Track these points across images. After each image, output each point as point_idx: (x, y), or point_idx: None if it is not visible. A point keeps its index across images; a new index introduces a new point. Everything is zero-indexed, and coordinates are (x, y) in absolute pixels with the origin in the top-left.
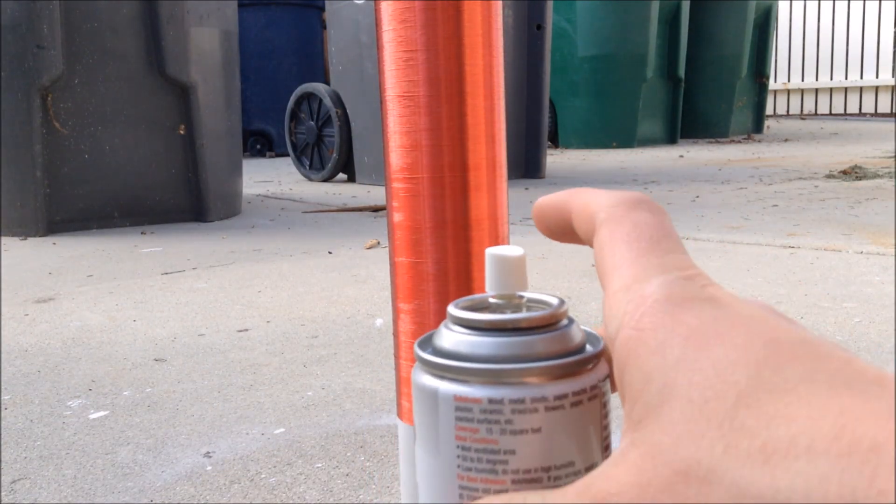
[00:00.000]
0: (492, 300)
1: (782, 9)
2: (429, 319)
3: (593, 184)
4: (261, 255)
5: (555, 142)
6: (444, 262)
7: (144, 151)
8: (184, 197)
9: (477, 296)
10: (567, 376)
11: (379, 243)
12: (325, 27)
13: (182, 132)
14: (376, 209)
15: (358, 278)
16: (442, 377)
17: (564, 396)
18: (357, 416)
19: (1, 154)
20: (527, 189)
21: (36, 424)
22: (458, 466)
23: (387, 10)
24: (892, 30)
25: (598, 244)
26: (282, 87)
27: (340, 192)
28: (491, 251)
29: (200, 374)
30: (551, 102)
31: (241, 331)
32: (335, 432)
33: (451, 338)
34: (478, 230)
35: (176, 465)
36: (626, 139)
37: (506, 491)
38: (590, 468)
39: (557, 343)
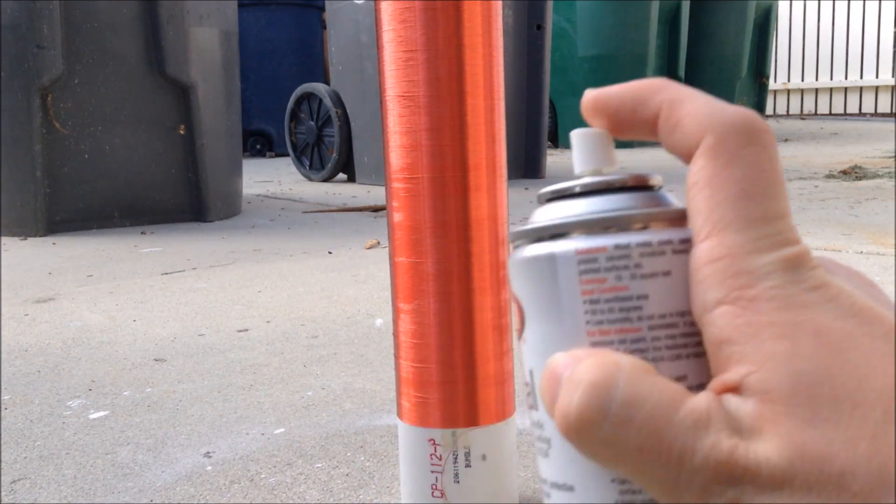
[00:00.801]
0: (584, 176)
1: (782, 9)
2: (429, 319)
3: None
4: (261, 255)
5: (555, 142)
6: (444, 262)
7: (144, 151)
8: (184, 197)
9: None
10: (681, 221)
11: (379, 243)
12: (325, 27)
13: (182, 132)
14: (376, 209)
15: (358, 278)
16: (556, 237)
17: (688, 241)
18: (357, 416)
19: (1, 154)
20: (527, 189)
21: (36, 424)
22: (588, 322)
23: (387, 10)
24: (892, 30)
25: (698, 177)
26: (282, 87)
27: (340, 192)
28: (577, 131)
29: (200, 374)
30: (551, 102)
31: (241, 331)
32: (335, 432)
33: (553, 208)
34: (478, 230)
35: (176, 465)
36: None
37: (643, 339)
38: None
39: (665, 200)
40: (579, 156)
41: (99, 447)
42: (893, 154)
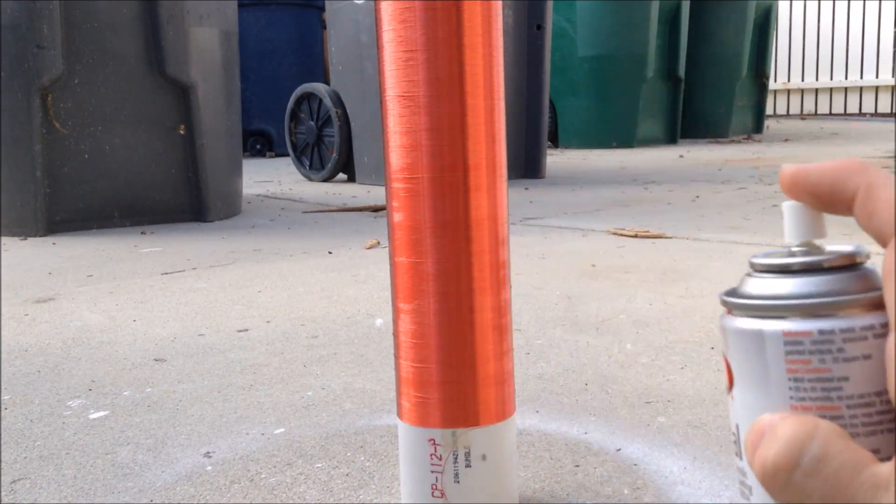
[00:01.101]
0: (794, 248)
1: (782, 9)
2: (429, 319)
3: (593, 183)
4: (261, 255)
5: (555, 142)
6: (444, 262)
7: (144, 151)
8: (184, 197)
9: (774, 251)
10: (881, 307)
11: (379, 243)
12: (325, 27)
13: (182, 132)
14: (376, 209)
15: (358, 278)
16: (765, 317)
17: (885, 325)
18: (357, 416)
19: (1, 154)
20: (527, 189)
21: (36, 424)
22: (791, 397)
23: (387, 10)
24: (893, 30)
25: (890, 268)
26: (282, 87)
27: (340, 192)
28: (788, 203)
29: (200, 374)
30: (551, 102)
31: (241, 331)
32: (335, 432)
33: (764, 283)
34: (478, 230)
35: (176, 465)
36: (626, 139)
37: (841, 416)
38: None
39: (869, 279)
40: (790, 227)
41: (99, 447)
42: (893, 154)
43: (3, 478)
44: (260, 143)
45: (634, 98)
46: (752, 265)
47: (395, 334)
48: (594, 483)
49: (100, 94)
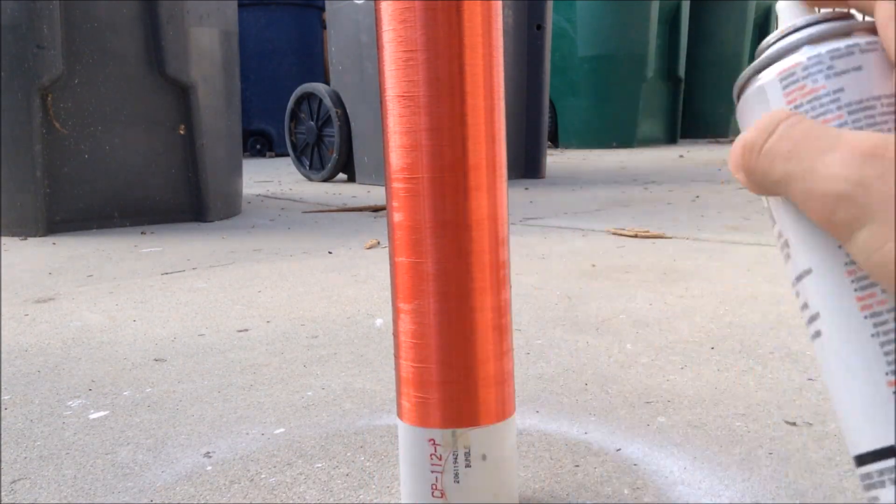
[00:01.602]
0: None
1: None
2: (429, 319)
3: (593, 183)
4: (261, 255)
5: (555, 142)
6: (444, 262)
7: (144, 151)
8: (184, 197)
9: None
10: (866, 31)
11: (379, 243)
12: (325, 27)
13: (182, 132)
14: (376, 209)
15: (358, 278)
16: (762, 70)
17: (874, 42)
18: (357, 416)
19: (1, 154)
20: (527, 189)
21: (36, 424)
22: None
23: (387, 10)
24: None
25: (887, 15)
26: (282, 87)
27: (340, 192)
28: (780, 3)
29: (200, 374)
30: (551, 102)
31: (241, 331)
32: (335, 432)
33: (760, 57)
34: (478, 230)
35: (176, 465)
36: (626, 139)
37: (844, 123)
38: None
39: (851, 19)
40: (784, 17)
41: (99, 447)
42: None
43: (3, 478)
44: (260, 143)
45: (634, 98)
46: (757, 53)
47: (395, 334)
48: (594, 483)
49: (100, 94)
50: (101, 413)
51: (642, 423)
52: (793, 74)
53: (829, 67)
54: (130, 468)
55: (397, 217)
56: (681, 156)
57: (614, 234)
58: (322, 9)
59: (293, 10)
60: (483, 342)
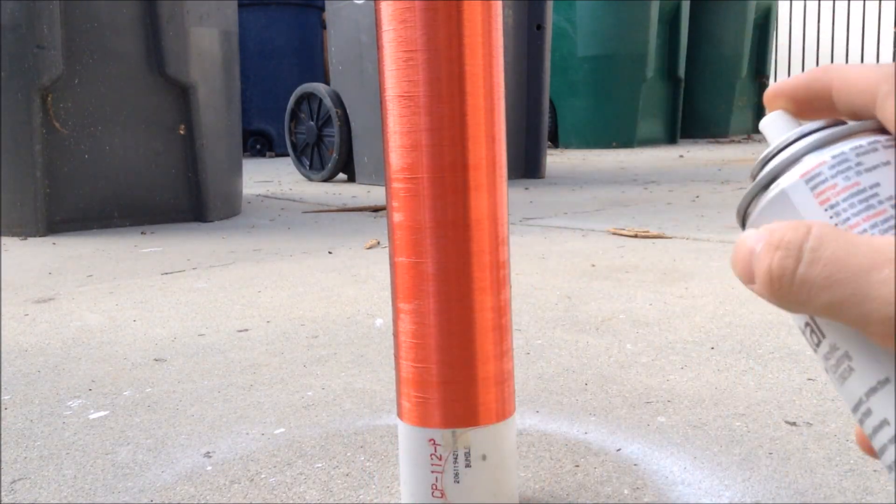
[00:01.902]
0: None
1: (782, 9)
2: (429, 319)
3: (593, 183)
4: (261, 255)
5: (555, 142)
6: (444, 262)
7: (144, 151)
8: (184, 197)
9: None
10: (879, 130)
11: (379, 243)
12: (325, 27)
13: (182, 132)
14: (376, 209)
15: (358, 278)
16: (779, 176)
17: (891, 138)
18: (357, 416)
19: (1, 154)
20: (527, 189)
21: (36, 424)
22: (837, 225)
23: (387, 10)
24: (892, 30)
25: (890, 115)
26: (282, 87)
27: (340, 192)
28: (767, 118)
29: (200, 374)
30: (551, 102)
31: (241, 331)
32: (335, 432)
33: (769, 165)
34: (478, 230)
35: (176, 465)
36: (626, 139)
37: (891, 217)
38: None
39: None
40: (772, 133)
41: (99, 447)
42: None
43: (3, 478)
44: (260, 143)
45: (634, 98)
46: (754, 169)
47: (395, 334)
48: (594, 483)
49: (100, 94)
50: (101, 413)
51: (642, 423)
52: (819, 174)
53: (859, 164)
54: (130, 468)
55: (397, 217)
56: (681, 156)
57: (614, 234)
58: (322, 9)
59: (293, 10)
60: (483, 342)
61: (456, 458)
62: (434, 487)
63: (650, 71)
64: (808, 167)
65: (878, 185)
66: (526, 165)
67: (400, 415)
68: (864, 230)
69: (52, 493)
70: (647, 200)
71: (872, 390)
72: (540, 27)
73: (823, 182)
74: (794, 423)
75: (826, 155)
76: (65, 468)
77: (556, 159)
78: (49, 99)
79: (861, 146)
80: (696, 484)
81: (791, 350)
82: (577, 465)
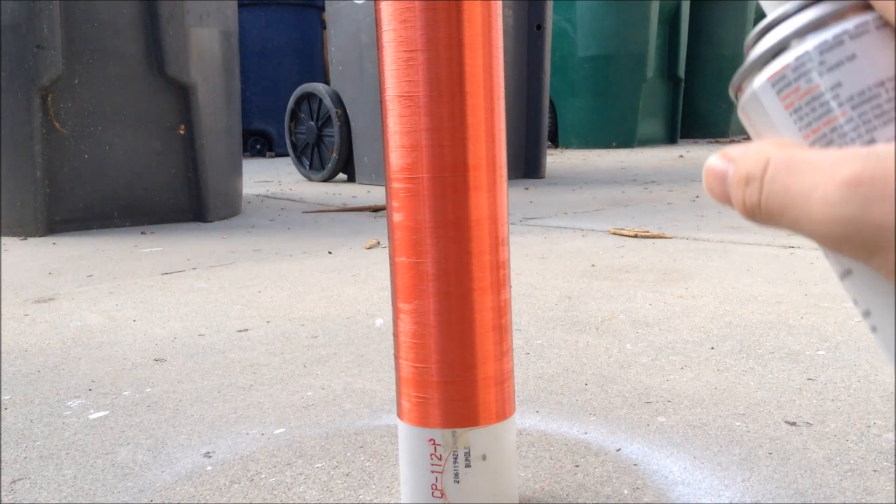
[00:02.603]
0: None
1: None
2: (429, 319)
3: (593, 183)
4: (261, 255)
5: (555, 142)
6: (444, 262)
7: (144, 151)
8: (184, 197)
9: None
10: (853, 11)
11: (379, 243)
12: (325, 27)
13: (182, 132)
14: (376, 209)
15: (358, 278)
16: (751, 78)
17: (865, 24)
18: (357, 416)
19: (1, 154)
20: (527, 189)
21: (36, 424)
22: (800, 129)
23: (387, 10)
24: None
25: None
26: (282, 87)
27: (340, 192)
28: None
29: (200, 374)
30: (551, 102)
31: (241, 331)
32: (335, 432)
33: (747, 59)
34: (478, 230)
35: (176, 465)
36: (626, 139)
37: (851, 119)
38: None
39: (830, 3)
40: (766, 8)
41: (99, 447)
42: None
43: (3, 478)
44: (260, 143)
45: (634, 98)
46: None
47: (395, 334)
48: (594, 483)
49: (100, 94)
50: (101, 413)
51: (642, 423)
52: (784, 78)
53: (821, 63)
54: (130, 468)
55: (397, 217)
56: (681, 156)
57: (614, 234)
58: (322, 9)
59: (293, 10)
60: (483, 342)
61: (456, 458)
62: (434, 487)
63: (650, 71)
64: (775, 70)
65: (839, 84)
66: (526, 165)
67: (400, 415)
68: (825, 134)
69: (52, 493)
70: (647, 200)
71: (841, 277)
72: (540, 27)
73: (787, 86)
74: (794, 423)
75: (791, 56)
76: (65, 468)
77: (556, 159)
78: (49, 99)
79: (825, 42)
80: (696, 484)
81: (791, 350)
82: (577, 465)
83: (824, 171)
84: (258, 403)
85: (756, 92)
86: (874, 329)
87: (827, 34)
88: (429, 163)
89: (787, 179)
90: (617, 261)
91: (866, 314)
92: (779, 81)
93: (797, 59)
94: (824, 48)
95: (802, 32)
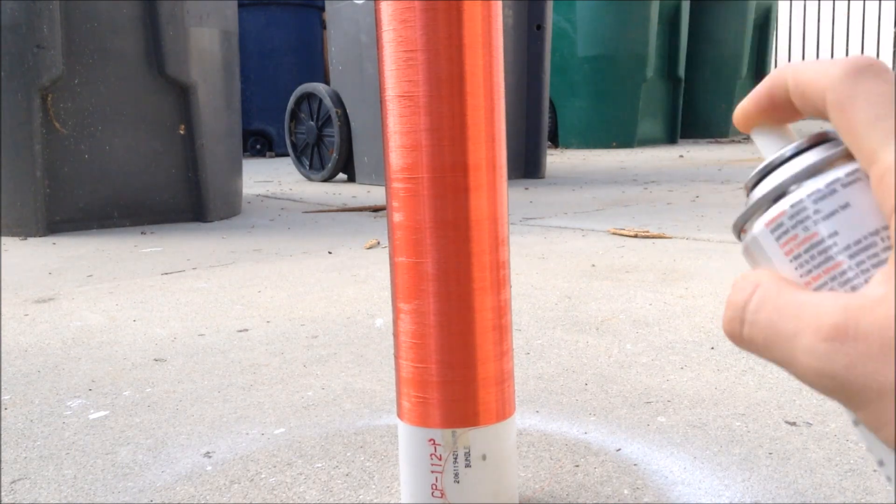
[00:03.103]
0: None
1: (782, 9)
2: (429, 319)
3: (593, 183)
4: (261, 255)
5: (555, 142)
6: (444, 262)
7: (144, 151)
8: (184, 197)
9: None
10: (844, 159)
11: (379, 243)
12: (325, 27)
13: (182, 132)
14: (376, 209)
15: (358, 278)
16: (750, 223)
17: (855, 171)
18: (357, 416)
19: (1, 154)
20: (527, 189)
21: (36, 424)
22: (801, 276)
23: (387, 10)
24: (892, 30)
25: (839, 129)
26: (282, 87)
27: (340, 192)
28: (753, 132)
29: (200, 374)
30: (551, 102)
31: (241, 331)
32: (335, 432)
33: (748, 201)
34: (478, 230)
35: (176, 465)
36: (626, 139)
37: (849, 268)
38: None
39: (823, 149)
40: (762, 148)
41: (99, 447)
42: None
43: (3, 478)
44: (260, 143)
45: (634, 98)
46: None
47: (395, 334)
48: (594, 483)
49: (100, 94)
50: (101, 413)
51: (642, 423)
52: (781, 225)
53: (816, 212)
54: (130, 468)
55: (397, 217)
56: (681, 156)
57: (614, 234)
58: (322, 9)
59: (293, 10)
60: (483, 342)
61: (456, 458)
62: (434, 487)
63: (650, 71)
64: (772, 216)
65: (836, 233)
66: (526, 165)
67: (400, 415)
68: (825, 282)
69: (52, 493)
70: (647, 200)
71: (854, 424)
72: (540, 27)
73: (785, 234)
74: (794, 423)
75: (787, 203)
76: (65, 468)
77: (556, 159)
78: (49, 99)
79: (819, 191)
80: (696, 484)
81: None
82: (577, 465)
83: (808, 319)
84: (258, 403)
85: (756, 237)
86: (889, 479)
87: (819, 182)
88: (429, 163)
89: (773, 316)
90: (617, 261)
91: (880, 464)
92: (777, 228)
93: (792, 206)
94: (818, 197)
95: (798, 179)
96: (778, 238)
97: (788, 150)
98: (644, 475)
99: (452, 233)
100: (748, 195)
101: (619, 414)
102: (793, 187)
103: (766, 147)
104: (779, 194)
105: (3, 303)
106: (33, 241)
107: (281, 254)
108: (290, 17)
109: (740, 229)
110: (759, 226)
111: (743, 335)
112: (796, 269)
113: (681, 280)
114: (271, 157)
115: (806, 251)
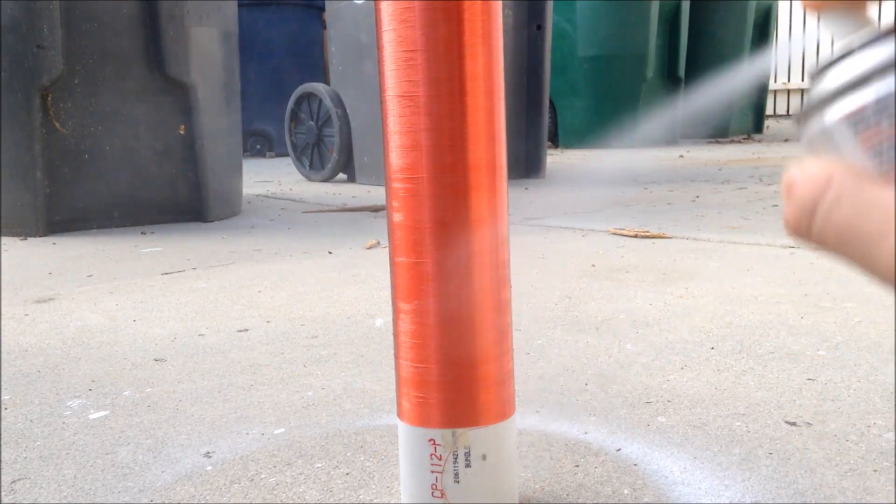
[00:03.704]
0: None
1: (782, 9)
2: (429, 319)
3: (593, 183)
4: (261, 255)
5: (555, 142)
6: (444, 262)
7: (144, 151)
8: (184, 197)
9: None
10: None
11: (379, 243)
12: (325, 27)
13: (182, 132)
14: (376, 209)
15: (358, 278)
16: (820, 111)
17: None
18: (357, 416)
19: (1, 154)
20: (527, 189)
21: (36, 424)
22: (879, 172)
23: (387, 10)
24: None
25: None
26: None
27: (340, 192)
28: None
29: (200, 374)
30: (551, 102)
31: (241, 331)
32: (335, 432)
33: (815, 90)
34: (478, 230)
35: (176, 465)
36: (626, 139)
37: None
38: None
39: None
40: (834, 34)
41: (99, 447)
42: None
43: (3, 478)
44: (260, 143)
45: (634, 98)
46: (813, 76)
47: (395, 334)
48: (594, 483)
49: (100, 94)
50: (101, 413)
51: (642, 423)
52: (863, 117)
53: None
54: (130, 468)
55: (397, 217)
56: (681, 156)
57: (614, 234)
58: (322, 9)
59: (293, 10)
60: (483, 342)
61: (456, 458)
62: (434, 487)
63: (650, 71)
64: (852, 108)
65: None
66: (526, 165)
67: (400, 415)
68: None
69: (52, 493)
70: (647, 200)
71: None
72: (540, 27)
73: (868, 124)
74: (794, 423)
75: (871, 94)
76: (65, 468)
77: (556, 159)
78: (49, 99)
79: None
80: (696, 484)
81: (791, 350)
82: (577, 465)
83: (892, 219)
84: (258, 403)
85: (828, 129)
86: None
87: None
88: (429, 163)
89: (850, 215)
90: (617, 261)
91: None
92: (858, 122)
93: (878, 99)
94: None
95: (884, 68)
96: (857, 131)
97: (869, 34)
98: (644, 475)
99: (452, 233)
100: (813, 81)
101: (619, 414)
102: (878, 76)
103: (840, 31)
104: (861, 83)
105: (3, 303)
106: (33, 241)
107: (281, 254)
108: (290, 17)
109: (804, 120)
110: (833, 116)
111: (812, 231)
112: (874, 163)
113: (681, 280)
114: (271, 157)
115: (888, 144)
